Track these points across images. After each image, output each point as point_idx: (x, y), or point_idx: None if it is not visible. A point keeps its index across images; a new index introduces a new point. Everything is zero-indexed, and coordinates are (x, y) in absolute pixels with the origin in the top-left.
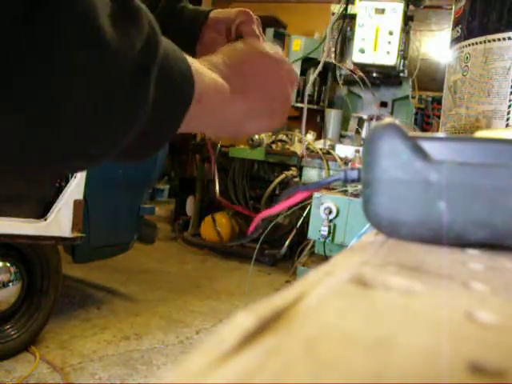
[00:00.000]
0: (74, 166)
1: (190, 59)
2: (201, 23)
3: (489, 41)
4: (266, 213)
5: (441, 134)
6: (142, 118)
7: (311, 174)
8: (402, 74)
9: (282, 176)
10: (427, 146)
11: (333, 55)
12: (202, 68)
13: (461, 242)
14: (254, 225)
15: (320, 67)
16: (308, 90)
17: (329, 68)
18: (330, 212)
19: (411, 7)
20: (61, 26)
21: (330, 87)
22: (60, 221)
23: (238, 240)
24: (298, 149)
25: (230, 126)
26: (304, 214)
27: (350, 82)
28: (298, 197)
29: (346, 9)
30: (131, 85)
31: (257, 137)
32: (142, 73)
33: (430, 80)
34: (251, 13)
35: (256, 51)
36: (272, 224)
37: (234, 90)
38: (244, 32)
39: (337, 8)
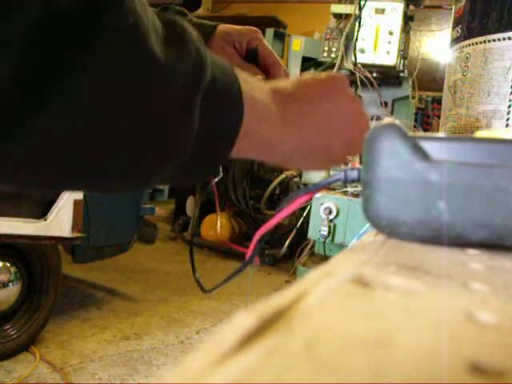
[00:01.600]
0: (113, 189)
1: (245, 83)
2: (208, 33)
3: (489, 41)
4: (265, 228)
5: (441, 134)
6: (185, 145)
7: (311, 174)
8: (401, 74)
9: (282, 176)
10: (427, 145)
11: (333, 55)
12: (255, 94)
13: (461, 242)
14: (252, 248)
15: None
16: None
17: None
18: (330, 212)
19: (411, 7)
20: (115, 52)
21: None
22: (60, 221)
23: (236, 272)
24: None
25: (277, 158)
26: (304, 214)
27: (349, 82)
28: (300, 201)
29: (360, 9)
30: (175, 111)
31: None
32: (186, 99)
33: (429, 80)
34: (259, 30)
35: (325, 83)
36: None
37: (288, 124)
38: (258, 46)
39: (338, 8)
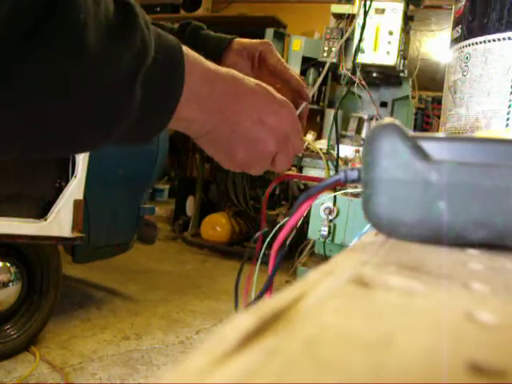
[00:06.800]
0: (67, 154)
1: (189, 57)
2: (225, 46)
3: (489, 41)
4: (280, 240)
5: (441, 134)
6: (127, 117)
7: (311, 174)
8: (401, 74)
9: None
10: (427, 145)
11: (332, 55)
12: (196, 58)
13: (461, 242)
14: (273, 261)
15: (324, 71)
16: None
17: (329, 68)
18: (330, 212)
19: (411, 7)
20: (56, 44)
21: (329, 87)
22: (60, 221)
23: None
24: None
25: (193, 132)
26: (304, 214)
27: (350, 82)
28: (305, 206)
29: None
30: (117, 91)
31: None
32: (128, 80)
33: (429, 80)
34: (271, 43)
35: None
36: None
37: (213, 109)
38: (268, 57)
39: (338, 8)
